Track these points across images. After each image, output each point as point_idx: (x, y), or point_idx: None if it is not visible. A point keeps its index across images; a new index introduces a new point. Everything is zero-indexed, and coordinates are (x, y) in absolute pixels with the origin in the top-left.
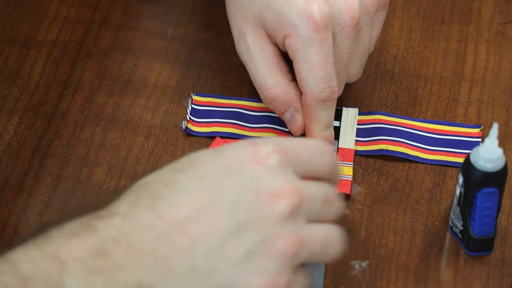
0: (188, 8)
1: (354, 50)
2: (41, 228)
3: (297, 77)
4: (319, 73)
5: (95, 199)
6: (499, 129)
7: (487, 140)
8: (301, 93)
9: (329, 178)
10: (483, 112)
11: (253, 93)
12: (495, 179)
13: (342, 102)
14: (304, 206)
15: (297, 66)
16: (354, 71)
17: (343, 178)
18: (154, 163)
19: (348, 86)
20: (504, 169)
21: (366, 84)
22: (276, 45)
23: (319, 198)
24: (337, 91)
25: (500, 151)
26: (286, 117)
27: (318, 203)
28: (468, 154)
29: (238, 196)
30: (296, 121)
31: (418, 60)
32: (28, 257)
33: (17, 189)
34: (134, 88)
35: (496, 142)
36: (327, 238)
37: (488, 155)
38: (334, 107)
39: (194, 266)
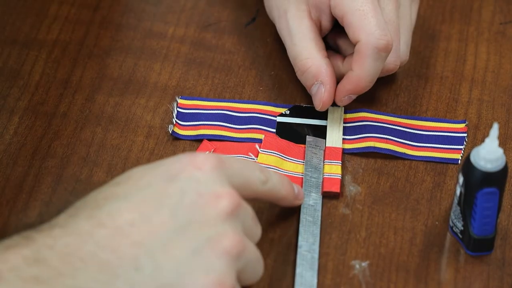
0: (188, 8)
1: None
2: None
3: (350, 31)
4: (373, 20)
5: None
6: (500, 129)
7: (487, 140)
8: (332, 69)
9: (266, 196)
10: (483, 112)
11: (253, 94)
12: (496, 179)
13: None
14: (241, 212)
15: (348, 19)
16: (402, 50)
17: (332, 176)
18: None
19: None
20: (505, 169)
21: None
22: (314, 21)
23: (250, 211)
24: (392, 42)
25: (500, 151)
26: (313, 90)
27: (250, 217)
28: (469, 154)
29: (180, 198)
30: (320, 95)
31: (418, 60)
32: None
33: (18, 189)
34: (134, 88)
35: (496, 142)
36: (258, 254)
37: (488, 155)
38: (385, 62)
39: (138, 268)
